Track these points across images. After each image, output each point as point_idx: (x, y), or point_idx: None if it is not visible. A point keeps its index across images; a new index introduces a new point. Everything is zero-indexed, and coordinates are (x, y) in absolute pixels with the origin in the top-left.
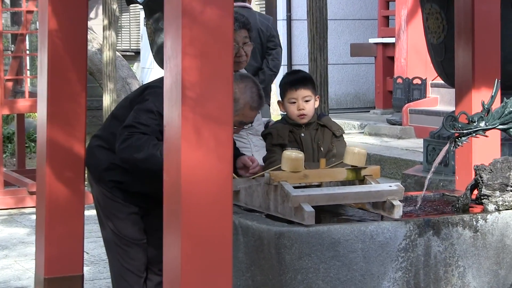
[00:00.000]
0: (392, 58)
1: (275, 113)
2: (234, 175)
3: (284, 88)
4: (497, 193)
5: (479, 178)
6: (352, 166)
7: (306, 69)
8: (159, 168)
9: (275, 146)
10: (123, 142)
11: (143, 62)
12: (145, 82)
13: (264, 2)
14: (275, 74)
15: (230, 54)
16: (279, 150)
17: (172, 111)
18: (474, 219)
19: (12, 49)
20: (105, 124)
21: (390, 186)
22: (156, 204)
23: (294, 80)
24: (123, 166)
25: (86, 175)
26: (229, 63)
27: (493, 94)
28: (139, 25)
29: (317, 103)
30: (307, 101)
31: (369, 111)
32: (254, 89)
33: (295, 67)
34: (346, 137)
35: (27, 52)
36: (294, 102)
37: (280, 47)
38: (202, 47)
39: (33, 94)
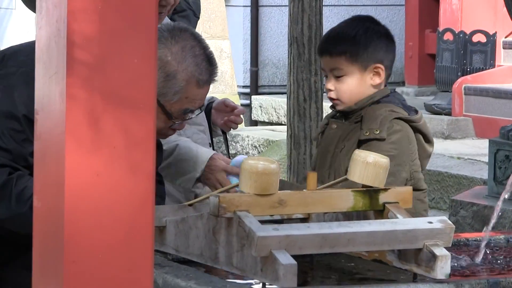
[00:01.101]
0: None
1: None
2: None
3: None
4: None
5: None
6: (363, 186)
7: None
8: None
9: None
10: None
11: None
12: (0, 31)
13: None
14: None
15: None
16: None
17: (49, 88)
18: None
19: None
20: None
21: (431, 223)
22: (23, 249)
23: (323, 39)
24: None
25: None
26: (150, 3)
27: None
28: None
29: (377, 78)
30: (338, 76)
31: (395, 89)
32: (197, 49)
33: (264, 11)
34: None
35: None
36: (326, 76)
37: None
38: None
39: None
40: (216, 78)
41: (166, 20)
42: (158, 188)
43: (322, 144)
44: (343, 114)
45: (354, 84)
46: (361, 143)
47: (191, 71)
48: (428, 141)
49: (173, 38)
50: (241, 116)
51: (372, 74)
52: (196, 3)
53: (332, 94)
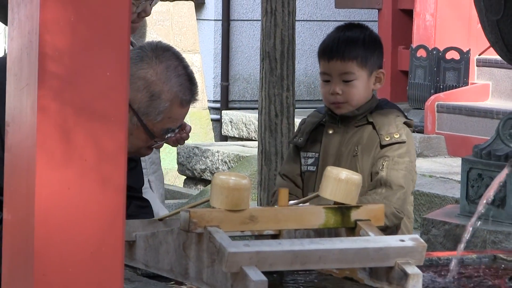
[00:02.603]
0: (409, 13)
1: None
2: None
3: (318, 53)
4: None
5: None
6: (335, 203)
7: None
8: None
9: (293, 150)
10: None
11: None
12: None
13: None
14: None
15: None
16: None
17: (20, 100)
18: None
19: None
20: None
21: (403, 241)
22: None
23: (331, 43)
24: None
25: None
26: (123, 14)
27: None
28: None
29: (378, 84)
30: (347, 81)
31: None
32: (180, 69)
33: (235, 25)
34: None
35: None
36: (328, 81)
37: None
38: None
39: None
40: (196, 98)
41: None
42: (149, 212)
43: (320, 154)
44: (341, 119)
45: (362, 89)
46: (383, 147)
47: (176, 91)
48: None
49: (157, 58)
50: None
51: (375, 79)
52: None
53: (340, 98)
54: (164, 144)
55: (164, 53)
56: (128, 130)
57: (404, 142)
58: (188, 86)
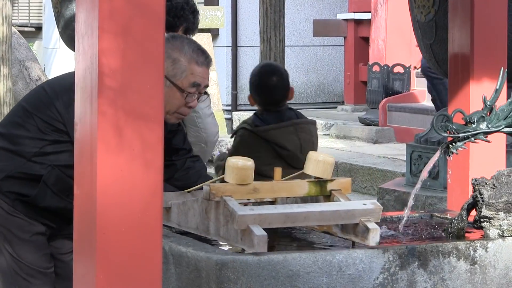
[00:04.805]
0: (366, 39)
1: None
2: None
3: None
4: (501, 214)
5: (479, 196)
6: (315, 178)
7: (256, 52)
8: None
9: None
10: None
11: (46, 41)
12: (48, 65)
13: None
14: None
15: (160, 32)
16: None
17: (85, 106)
18: (471, 248)
19: None
20: (11, 119)
21: (365, 204)
22: (69, 223)
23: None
24: (33, 178)
25: None
26: (159, 43)
27: (497, 87)
28: None
29: None
30: None
31: (336, 107)
32: (192, 44)
33: (241, 50)
34: None
35: None
36: None
37: None
38: (125, 22)
39: None
40: (210, 62)
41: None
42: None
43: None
44: None
45: None
46: None
47: (190, 54)
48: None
49: (173, 38)
50: None
51: None
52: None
53: None
54: None
55: (180, 37)
56: (166, 95)
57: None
58: (199, 53)
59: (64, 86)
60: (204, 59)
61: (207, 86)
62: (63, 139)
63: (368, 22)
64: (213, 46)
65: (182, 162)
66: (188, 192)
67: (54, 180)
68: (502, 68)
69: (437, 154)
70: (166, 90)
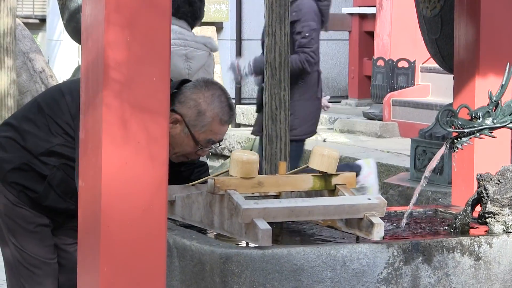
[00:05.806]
0: (371, 34)
1: None
2: None
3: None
4: (506, 210)
5: (483, 191)
6: (320, 172)
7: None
8: None
9: None
10: None
11: (50, 33)
12: (52, 57)
13: None
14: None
15: (166, 25)
16: None
17: (90, 98)
18: (475, 243)
19: None
20: (25, 113)
21: (369, 199)
22: (73, 216)
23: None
24: (39, 172)
25: None
26: (165, 36)
27: (503, 82)
28: None
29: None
30: None
31: (340, 102)
32: (223, 98)
33: (245, 43)
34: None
35: None
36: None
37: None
38: (131, 15)
39: None
40: (233, 119)
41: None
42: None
43: None
44: None
45: None
46: None
47: (217, 111)
48: None
49: (206, 86)
50: None
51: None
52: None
53: None
54: None
55: (213, 85)
56: (180, 138)
57: None
58: (227, 110)
59: None
60: (228, 117)
61: (221, 140)
62: (70, 145)
63: (373, 16)
64: (218, 39)
65: (189, 172)
66: (193, 185)
67: (58, 181)
68: (508, 64)
69: (442, 149)
70: (182, 135)
